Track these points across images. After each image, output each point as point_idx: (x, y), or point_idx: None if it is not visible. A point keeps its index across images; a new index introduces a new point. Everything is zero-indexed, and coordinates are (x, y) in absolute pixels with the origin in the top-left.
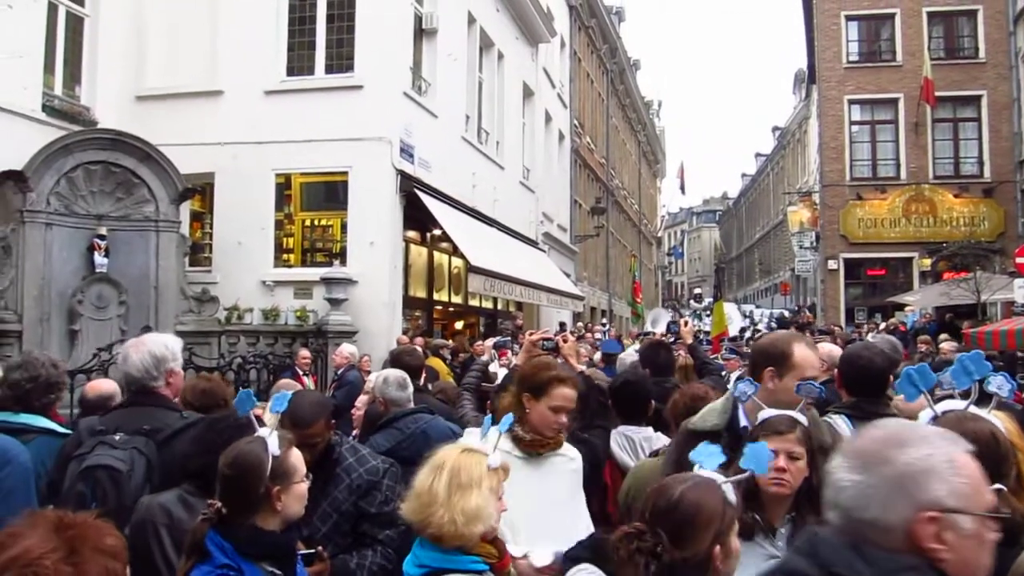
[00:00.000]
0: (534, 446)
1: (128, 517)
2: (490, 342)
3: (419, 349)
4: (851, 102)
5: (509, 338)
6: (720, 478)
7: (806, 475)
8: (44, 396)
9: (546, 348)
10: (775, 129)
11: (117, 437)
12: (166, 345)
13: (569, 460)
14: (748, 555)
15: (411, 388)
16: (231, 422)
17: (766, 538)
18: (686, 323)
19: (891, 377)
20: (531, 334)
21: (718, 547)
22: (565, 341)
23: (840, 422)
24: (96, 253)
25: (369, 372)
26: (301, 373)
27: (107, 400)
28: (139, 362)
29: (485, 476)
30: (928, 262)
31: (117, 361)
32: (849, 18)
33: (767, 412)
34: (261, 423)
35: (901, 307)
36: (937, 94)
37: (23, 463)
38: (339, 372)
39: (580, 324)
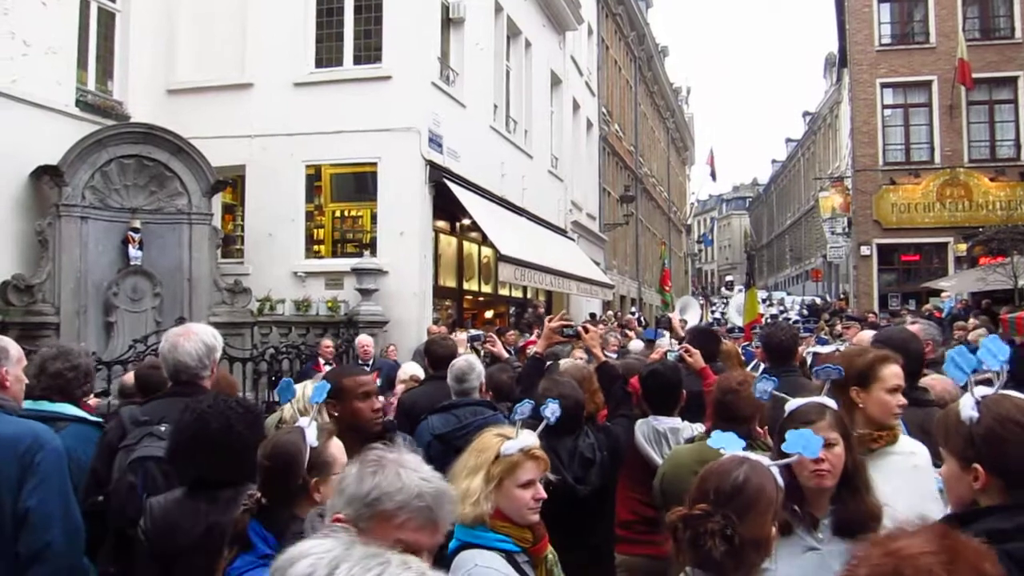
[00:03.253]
0: (864, 442)
1: None
2: (464, 335)
3: (451, 338)
4: (884, 85)
5: (482, 332)
6: (767, 461)
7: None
8: (84, 384)
9: (567, 335)
10: (806, 114)
11: (163, 428)
12: (214, 335)
13: (910, 455)
14: (787, 547)
15: (469, 382)
16: (188, 415)
17: (807, 531)
18: (677, 318)
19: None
20: (550, 320)
21: (774, 528)
22: (587, 331)
23: None
24: (130, 246)
25: (396, 360)
26: (323, 362)
27: (145, 390)
28: (193, 351)
29: (488, 462)
30: (964, 247)
31: (162, 349)
32: (881, 0)
33: (794, 402)
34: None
35: (936, 293)
36: (972, 76)
37: (56, 448)
38: (371, 363)
39: (610, 312)
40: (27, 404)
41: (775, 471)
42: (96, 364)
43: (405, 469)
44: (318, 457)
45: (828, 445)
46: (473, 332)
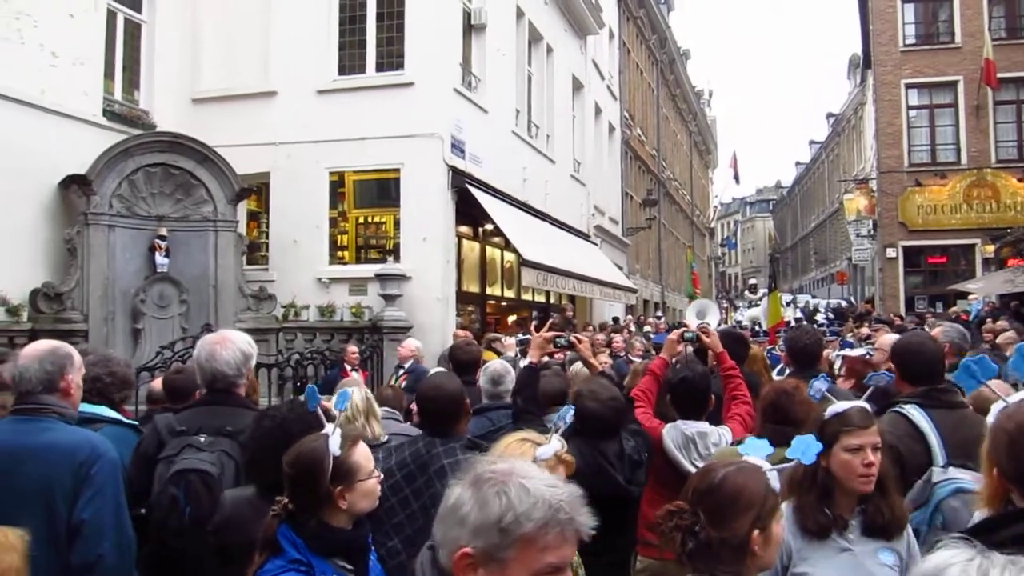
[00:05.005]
0: None
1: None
2: (512, 340)
3: (476, 343)
4: (908, 86)
5: (529, 337)
6: (766, 465)
7: None
8: (121, 391)
9: (560, 345)
10: (829, 116)
11: (202, 439)
12: (249, 343)
13: None
14: (822, 551)
15: (504, 385)
16: (268, 422)
17: (839, 532)
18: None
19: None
20: (534, 327)
21: (756, 532)
22: (580, 341)
23: (915, 412)
24: (157, 253)
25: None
26: (349, 368)
27: (175, 396)
28: (231, 360)
29: None
30: (991, 248)
31: (199, 357)
32: (905, 0)
33: (839, 406)
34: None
35: (963, 295)
36: (999, 75)
37: (112, 459)
38: (407, 365)
39: (630, 317)
40: None
41: (773, 476)
42: None
43: (528, 479)
44: (341, 465)
45: (876, 449)
46: (522, 337)
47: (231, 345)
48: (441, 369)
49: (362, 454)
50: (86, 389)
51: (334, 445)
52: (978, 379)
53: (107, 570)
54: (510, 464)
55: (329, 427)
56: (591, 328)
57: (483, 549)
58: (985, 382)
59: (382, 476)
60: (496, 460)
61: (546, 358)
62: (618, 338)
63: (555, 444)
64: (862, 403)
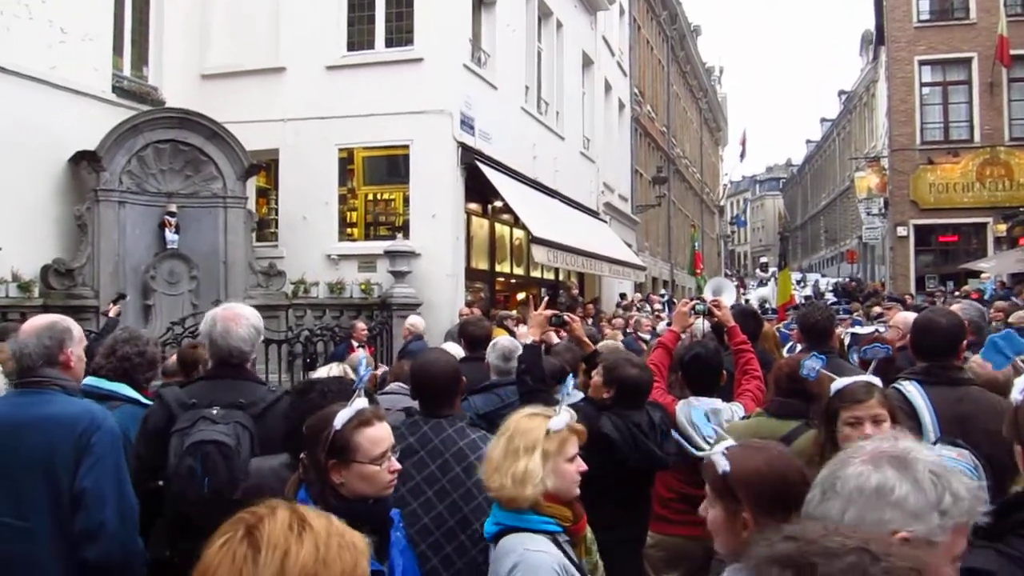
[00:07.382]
0: None
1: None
2: (525, 329)
3: (486, 320)
4: (922, 63)
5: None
6: None
7: None
8: (148, 371)
9: (555, 323)
10: (841, 93)
11: (215, 411)
12: (259, 318)
13: None
14: None
15: (514, 361)
16: (316, 396)
17: None
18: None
19: (964, 342)
20: (527, 301)
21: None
22: (573, 320)
23: (911, 388)
24: (167, 230)
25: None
26: (357, 345)
27: (191, 369)
28: (246, 335)
29: (541, 440)
30: (1003, 227)
31: (213, 333)
32: None
33: (841, 382)
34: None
35: (975, 274)
36: (1013, 52)
37: (111, 429)
38: (405, 341)
39: (638, 294)
40: (89, 381)
41: None
42: None
43: (938, 464)
44: (339, 440)
45: (878, 421)
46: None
47: (244, 321)
48: (455, 345)
49: (369, 437)
50: (114, 368)
51: (339, 418)
52: (1006, 355)
53: (109, 536)
54: (907, 442)
55: (361, 401)
56: (591, 306)
57: (922, 534)
58: (1014, 358)
59: (398, 467)
60: (888, 439)
61: (556, 340)
62: (633, 316)
63: (565, 415)
64: (867, 377)
